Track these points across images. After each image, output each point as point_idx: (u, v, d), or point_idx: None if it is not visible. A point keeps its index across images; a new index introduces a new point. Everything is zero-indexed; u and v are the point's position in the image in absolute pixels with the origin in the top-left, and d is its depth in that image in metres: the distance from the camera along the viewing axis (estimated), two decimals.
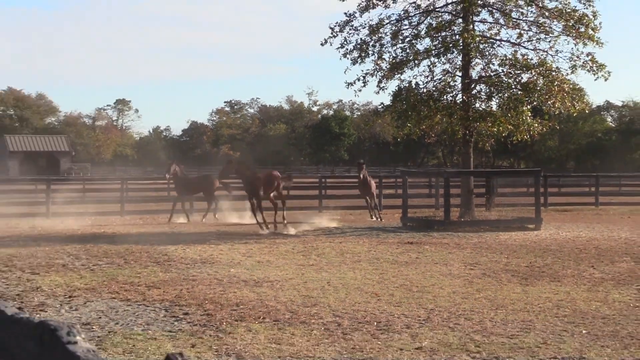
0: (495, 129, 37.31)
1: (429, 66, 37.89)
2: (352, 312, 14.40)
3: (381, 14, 38.41)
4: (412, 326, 13.22)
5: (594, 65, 36.28)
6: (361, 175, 36.69)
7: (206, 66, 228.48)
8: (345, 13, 38.28)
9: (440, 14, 38.14)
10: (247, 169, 34.00)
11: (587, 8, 36.49)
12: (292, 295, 16.14)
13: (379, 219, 36.96)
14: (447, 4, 38.02)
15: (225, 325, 13.12)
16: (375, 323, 13.43)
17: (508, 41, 37.98)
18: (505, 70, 37.27)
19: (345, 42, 38.29)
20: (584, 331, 13.00)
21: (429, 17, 38.07)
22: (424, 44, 37.93)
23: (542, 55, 37.18)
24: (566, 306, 15.21)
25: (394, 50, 38.06)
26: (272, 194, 32.89)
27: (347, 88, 39.39)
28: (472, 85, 37.61)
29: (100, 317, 13.87)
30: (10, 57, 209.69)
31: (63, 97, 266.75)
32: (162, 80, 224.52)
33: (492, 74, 37.53)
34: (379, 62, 38.04)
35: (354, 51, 38.24)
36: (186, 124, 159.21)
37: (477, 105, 37.86)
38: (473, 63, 37.65)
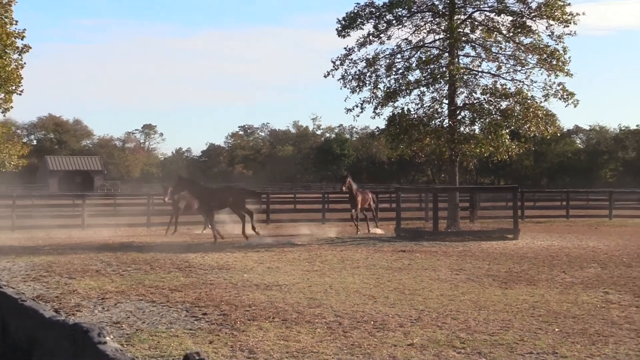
0: (478, 150, 37.56)
1: (419, 95, 38.18)
2: (352, 312, 14.38)
3: (377, 49, 38.81)
4: (405, 325, 13.20)
5: (565, 93, 36.66)
6: (344, 188, 35.21)
7: (223, 95, 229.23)
8: (345, 48, 38.54)
9: (429, 49, 38.36)
10: (197, 186, 33.19)
11: (558, 44, 36.89)
12: (299, 298, 16.13)
13: (367, 231, 35.69)
14: (435, 40, 38.29)
15: (239, 324, 13.11)
16: (372, 322, 13.42)
17: (489, 72, 38.27)
18: (486, 98, 37.55)
19: (345, 74, 38.57)
20: (556, 329, 12.98)
21: (419, 52, 38.34)
22: (414, 75, 38.19)
23: (518, 85, 37.49)
24: (541, 307, 15.19)
25: (388, 80, 38.36)
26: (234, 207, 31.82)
27: (347, 114, 39.66)
28: (457, 112, 37.76)
29: (129, 317, 13.87)
30: (51, 86, 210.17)
31: (97, 122, 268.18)
32: (184, 107, 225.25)
33: (475, 101, 37.81)
34: (374, 91, 38.37)
35: (353, 81, 38.48)
36: (205, 146, 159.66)
37: (462, 129, 38.08)
38: (458, 92, 37.83)
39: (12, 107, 40.76)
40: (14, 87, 39.65)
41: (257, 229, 31.32)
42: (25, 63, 40.23)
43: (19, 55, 39.96)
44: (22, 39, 39.86)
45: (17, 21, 40.13)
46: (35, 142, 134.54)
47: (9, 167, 41.44)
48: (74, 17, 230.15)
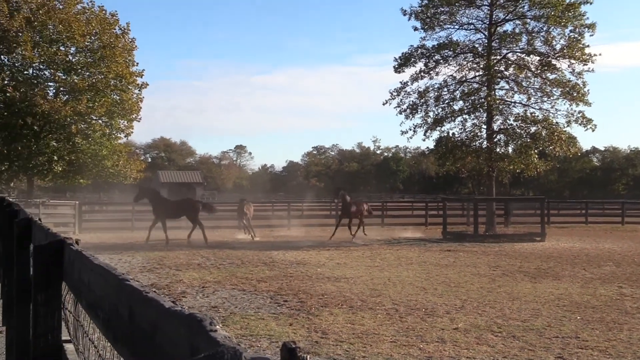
0: (511, 167, 37.51)
1: (462, 121, 38.29)
2: (406, 301, 14.30)
3: (427, 83, 38.89)
4: (451, 312, 13.09)
5: (584, 120, 36.56)
6: (338, 200, 33.56)
7: (300, 121, 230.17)
8: (401, 82, 38.93)
9: (470, 83, 38.29)
10: (157, 195, 31.55)
11: (578, 79, 36.82)
12: (362, 288, 16.09)
13: (352, 238, 32.36)
14: (475, 76, 38.25)
15: (313, 310, 13.12)
16: (423, 309, 13.33)
17: (520, 103, 38.13)
18: (518, 124, 37.50)
19: (400, 103, 38.89)
20: (578, 317, 12.78)
21: (462, 86, 38.30)
22: (458, 105, 38.31)
23: (545, 113, 37.38)
24: (565, 298, 14.96)
25: (436, 109, 38.54)
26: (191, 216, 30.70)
27: (402, 136, 40.04)
28: (494, 135, 37.61)
29: (224, 303, 13.98)
30: (163, 114, 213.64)
31: (199, 143, 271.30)
32: (268, 131, 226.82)
33: (508, 127, 37.73)
34: (425, 118, 38.64)
35: (407, 110, 38.67)
36: (285, 163, 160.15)
37: (498, 149, 37.97)
38: (494, 119, 37.73)
39: (132, 132, 41.63)
40: (134, 116, 40.43)
41: (206, 238, 29.58)
42: (143, 97, 41.06)
43: (139, 90, 40.76)
44: (141, 77, 40.70)
45: (137, 63, 40.98)
46: (149, 160, 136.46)
47: (130, 180, 42.18)
48: (181, 59, 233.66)
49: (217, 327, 1.43)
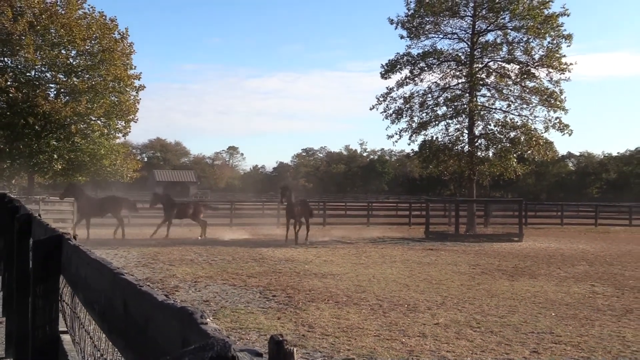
0: (491, 170, 37.70)
1: (445, 126, 38.55)
2: (390, 297, 14.32)
3: (412, 89, 39.13)
4: (432, 308, 13.11)
5: (561, 125, 36.81)
6: (284, 200, 29.91)
7: (290, 123, 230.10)
8: (387, 87, 39.10)
9: (453, 90, 38.49)
10: (83, 193, 29.93)
11: (556, 87, 37.05)
12: (348, 285, 16.10)
13: (305, 242, 28.99)
14: (458, 83, 38.50)
15: (301, 305, 13.12)
16: (406, 305, 13.34)
17: (500, 109, 38.36)
18: (498, 129, 37.69)
19: (387, 108, 39.08)
20: (553, 314, 12.82)
21: (445, 92, 38.53)
22: (441, 110, 38.57)
23: (524, 119, 37.69)
24: (540, 296, 15.00)
25: (421, 114, 38.74)
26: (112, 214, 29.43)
27: (388, 139, 40.05)
28: (475, 140, 37.78)
29: (215, 297, 13.95)
30: (159, 116, 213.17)
31: (193, 144, 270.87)
32: (260, 133, 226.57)
33: (489, 132, 37.92)
34: (410, 122, 38.85)
35: (393, 114, 38.83)
36: (275, 163, 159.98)
37: (479, 153, 38.16)
38: (476, 124, 37.92)
39: (129, 132, 41.46)
40: (131, 117, 40.27)
41: (125, 235, 28.69)
42: (140, 98, 40.86)
43: (136, 92, 40.59)
44: (138, 80, 40.49)
45: (135, 66, 40.86)
46: (145, 159, 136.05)
47: (126, 178, 42.00)
48: (177, 62, 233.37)
49: (208, 320, 1.42)
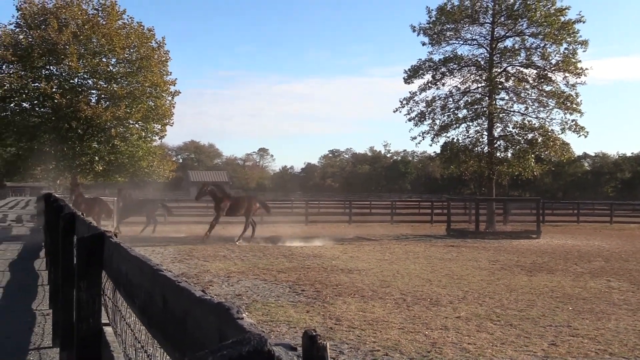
0: (510, 170, 37.39)
1: (465, 128, 38.40)
2: (413, 291, 14.26)
3: (434, 93, 39.03)
4: (454, 302, 13.04)
5: (577, 127, 36.53)
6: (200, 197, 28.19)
7: (317, 126, 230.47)
8: (410, 92, 39.04)
9: (473, 93, 38.27)
10: (128, 194, 29.36)
11: (572, 91, 36.75)
12: (373, 280, 16.06)
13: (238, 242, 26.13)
14: (478, 87, 38.27)
15: (328, 299, 13.11)
16: (428, 299, 13.28)
17: (519, 112, 38.03)
18: (516, 131, 37.46)
19: (410, 111, 38.94)
20: (570, 308, 12.70)
21: (465, 96, 38.31)
22: (462, 113, 38.37)
23: (541, 121, 37.38)
24: (558, 291, 14.86)
25: (442, 117, 38.65)
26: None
27: (411, 141, 39.96)
28: (495, 141, 37.56)
29: (247, 291, 13.98)
30: (193, 119, 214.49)
31: (225, 146, 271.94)
32: (289, 135, 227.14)
33: (508, 133, 37.70)
34: (432, 125, 38.60)
35: (416, 117, 38.74)
36: (303, 164, 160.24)
37: (498, 154, 37.91)
38: (495, 126, 37.69)
39: (165, 135, 41.76)
40: (167, 121, 40.55)
41: (155, 232, 28.13)
42: (175, 103, 41.13)
43: (172, 97, 40.86)
44: (174, 86, 40.77)
45: (171, 72, 41.15)
46: (180, 160, 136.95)
47: (162, 179, 42.32)
48: (211, 69, 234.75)
49: (244, 315, 1.42)
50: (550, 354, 9.10)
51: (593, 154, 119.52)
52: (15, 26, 38.26)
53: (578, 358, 8.94)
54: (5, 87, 37.06)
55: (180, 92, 41.23)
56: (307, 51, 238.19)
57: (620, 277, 17.74)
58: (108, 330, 4.29)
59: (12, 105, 38.16)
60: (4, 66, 37.64)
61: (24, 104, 38.57)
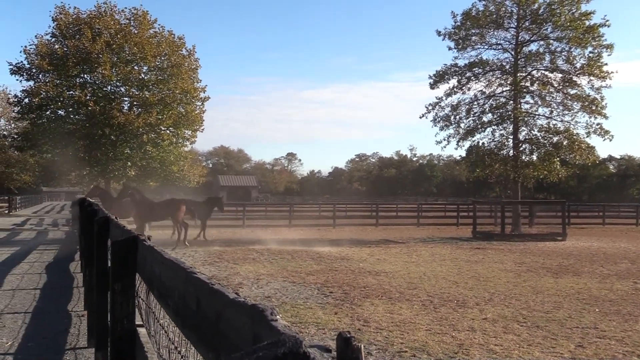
0: (535, 173, 37.05)
1: (491, 132, 38.19)
2: (440, 293, 14.18)
3: (459, 97, 38.87)
4: (480, 304, 12.94)
5: (602, 131, 36.17)
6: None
7: (344, 131, 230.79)
8: (436, 97, 38.85)
9: (498, 97, 38.04)
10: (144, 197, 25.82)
11: (597, 94, 36.35)
12: (400, 282, 15.99)
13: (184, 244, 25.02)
14: (503, 91, 38.02)
15: (356, 301, 13.07)
16: (455, 301, 13.19)
17: (544, 115, 37.69)
18: (542, 134, 37.19)
19: (435, 116, 38.71)
20: (597, 310, 12.53)
21: (491, 100, 38.09)
22: (487, 117, 38.13)
23: (566, 124, 37.07)
24: (584, 292, 14.68)
25: (468, 121, 38.43)
26: None
27: (437, 145, 39.77)
28: (520, 145, 37.28)
29: (276, 293, 13.99)
30: (223, 125, 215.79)
31: (254, 151, 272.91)
32: (316, 140, 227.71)
33: (533, 137, 37.43)
34: (457, 129, 38.49)
35: (441, 122, 38.59)
36: (331, 169, 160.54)
37: (523, 157, 37.62)
38: (520, 130, 37.37)
39: (196, 140, 42.08)
40: (197, 126, 40.84)
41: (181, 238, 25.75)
42: (205, 109, 41.41)
43: (202, 103, 41.16)
44: (204, 92, 41.09)
45: (200, 80, 41.46)
46: (210, 165, 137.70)
47: (193, 183, 42.59)
48: (240, 76, 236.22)
49: (278, 317, 1.41)
50: (577, 356, 8.98)
51: (618, 157, 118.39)
52: (51, 36, 38.90)
53: None
54: (42, 95, 37.63)
55: (209, 98, 41.55)
56: (333, 57, 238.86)
57: None
58: (142, 331, 4.32)
59: (47, 112, 38.71)
60: (40, 75, 38.23)
61: (59, 112, 39.15)
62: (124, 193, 25.70)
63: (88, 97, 36.91)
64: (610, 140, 36.35)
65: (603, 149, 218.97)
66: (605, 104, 35.99)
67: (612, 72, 35.81)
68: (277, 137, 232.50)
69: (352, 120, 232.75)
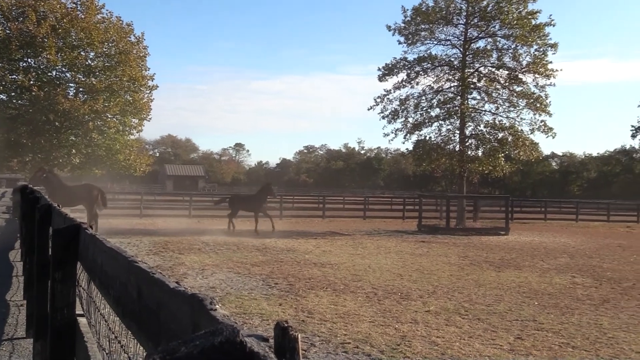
0: (480, 168, 37.58)
1: (438, 126, 38.56)
2: (384, 286, 14.32)
3: (408, 91, 39.10)
4: (424, 296, 13.11)
5: (545, 128, 36.90)
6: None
7: (293, 122, 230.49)
8: (384, 90, 39.12)
9: (446, 93, 38.47)
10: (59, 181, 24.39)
11: (541, 92, 37.05)
12: (345, 274, 16.09)
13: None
14: (450, 87, 38.49)
15: (301, 292, 13.11)
16: (399, 294, 13.34)
17: (490, 111, 38.26)
18: (487, 130, 37.71)
19: (383, 109, 38.98)
20: (536, 303, 12.82)
21: (438, 95, 38.48)
22: (435, 112, 38.57)
23: (511, 121, 37.66)
24: (525, 286, 15.00)
25: (415, 115, 38.73)
26: None
27: (384, 138, 40.32)
28: (466, 140, 37.77)
29: (221, 284, 13.94)
30: (170, 114, 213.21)
31: (201, 140, 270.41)
32: (265, 130, 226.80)
33: (479, 132, 37.92)
34: (405, 123, 38.73)
35: (389, 115, 38.79)
36: (278, 160, 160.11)
37: (469, 152, 38.13)
38: (467, 125, 37.88)
39: (143, 129, 41.48)
40: (145, 115, 40.27)
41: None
42: (153, 98, 40.86)
43: (149, 92, 40.58)
44: (152, 80, 40.49)
45: (149, 68, 40.85)
46: (157, 154, 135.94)
47: (139, 172, 42.00)
48: (187, 64, 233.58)
49: (217, 306, 1.42)
50: (516, 348, 9.19)
51: (560, 154, 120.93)
52: None
53: (542, 351, 9.04)
54: None
55: (157, 87, 41.00)
56: (283, 48, 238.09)
57: (584, 273, 17.96)
58: (82, 321, 4.26)
59: None
60: None
61: (1, 96, 38.11)
62: (38, 176, 23.98)
63: (32, 82, 36.01)
64: (554, 137, 37.21)
65: (546, 145, 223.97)
66: (550, 101, 36.82)
67: (556, 71, 36.59)
68: (225, 127, 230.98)
69: (302, 112, 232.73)
